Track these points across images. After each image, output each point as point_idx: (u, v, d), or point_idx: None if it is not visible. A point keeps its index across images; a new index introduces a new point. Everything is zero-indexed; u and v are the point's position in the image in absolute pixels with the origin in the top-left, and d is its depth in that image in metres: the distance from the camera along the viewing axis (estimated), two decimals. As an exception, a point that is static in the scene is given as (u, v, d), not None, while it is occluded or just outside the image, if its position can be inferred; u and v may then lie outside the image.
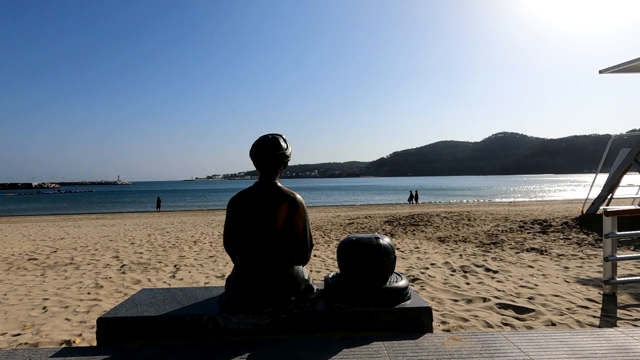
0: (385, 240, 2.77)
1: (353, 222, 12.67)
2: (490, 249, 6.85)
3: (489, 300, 3.84)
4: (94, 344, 2.76)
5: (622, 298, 3.74)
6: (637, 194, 10.79)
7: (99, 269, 6.04)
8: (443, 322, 3.26)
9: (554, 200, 30.85)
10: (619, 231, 3.74)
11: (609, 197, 9.68)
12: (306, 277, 2.71)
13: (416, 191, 36.14)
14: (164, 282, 5.14)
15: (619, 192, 10.07)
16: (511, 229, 8.99)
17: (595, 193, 9.88)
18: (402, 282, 2.76)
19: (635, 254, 5.81)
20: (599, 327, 3.06)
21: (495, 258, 5.99)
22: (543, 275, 4.82)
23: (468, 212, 14.71)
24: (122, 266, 6.19)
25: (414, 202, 33.63)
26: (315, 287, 2.79)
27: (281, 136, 2.77)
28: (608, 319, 3.23)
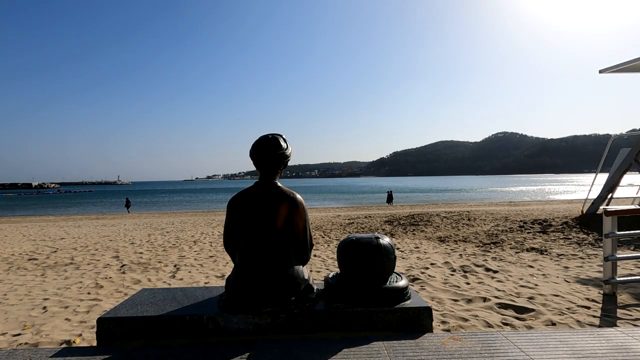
0: (385, 240, 2.77)
1: (353, 222, 12.66)
2: (490, 248, 6.85)
3: (489, 300, 3.84)
4: (94, 344, 2.76)
5: (622, 298, 3.74)
6: (637, 193, 10.78)
7: (99, 269, 6.04)
8: (443, 322, 3.26)
9: (554, 200, 30.83)
10: (619, 231, 3.74)
11: (609, 197, 9.67)
12: (306, 277, 2.71)
13: (390, 191, 33.02)
14: (164, 282, 5.15)
15: (619, 192, 10.07)
16: (511, 229, 8.99)
17: (595, 193, 9.88)
18: (402, 282, 2.76)
19: (635, 254, 5.80)
20: (599, 327, 3.06)
21: (495, 258, 5.99)
22: (543, 275, 4.82)
23: (468, 212, 14.71)
24: (122, 266, 6.19)
25: (390, 203, 30.35)
26: (315, 287, 2.79)
27: (281, 136, 2.77)
28: (608, 318, 3.23)
